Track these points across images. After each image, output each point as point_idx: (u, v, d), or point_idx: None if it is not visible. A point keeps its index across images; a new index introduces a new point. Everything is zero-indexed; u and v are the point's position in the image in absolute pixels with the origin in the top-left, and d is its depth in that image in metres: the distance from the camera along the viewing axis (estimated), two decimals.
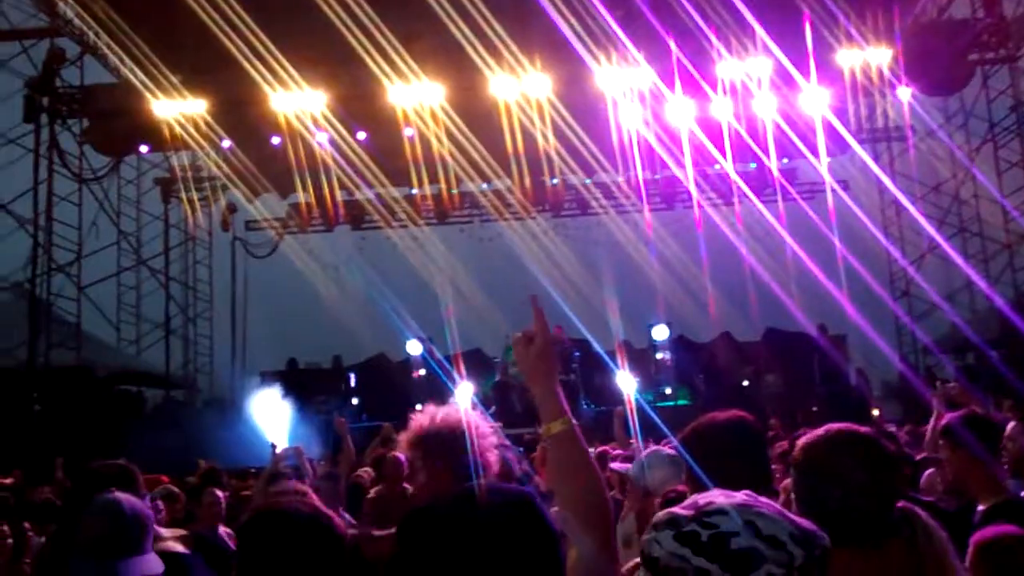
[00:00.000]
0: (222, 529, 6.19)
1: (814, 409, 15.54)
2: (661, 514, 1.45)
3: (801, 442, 2.48)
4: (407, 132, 17.81)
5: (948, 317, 17.73)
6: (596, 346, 16.44)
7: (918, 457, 5.61)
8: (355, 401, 19.37)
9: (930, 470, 5.18)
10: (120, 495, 3.07)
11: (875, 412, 13.27)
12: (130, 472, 3.73)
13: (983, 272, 18.78)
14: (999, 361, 13.88)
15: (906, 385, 15.68)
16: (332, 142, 18.05)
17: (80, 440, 12.62)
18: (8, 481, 8.24)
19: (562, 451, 2.20)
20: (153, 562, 2.87)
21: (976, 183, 19.04)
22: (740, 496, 1.44)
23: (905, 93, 17.95)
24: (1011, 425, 6.06)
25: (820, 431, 2.46)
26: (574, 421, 2.20)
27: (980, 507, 3.68)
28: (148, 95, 17.30)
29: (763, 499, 1.44)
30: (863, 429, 2.52)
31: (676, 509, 1.44)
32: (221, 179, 20.01)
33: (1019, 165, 18.33)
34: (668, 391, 17.98)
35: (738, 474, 2.42)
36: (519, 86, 16.97)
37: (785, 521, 1.38)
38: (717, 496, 1.44)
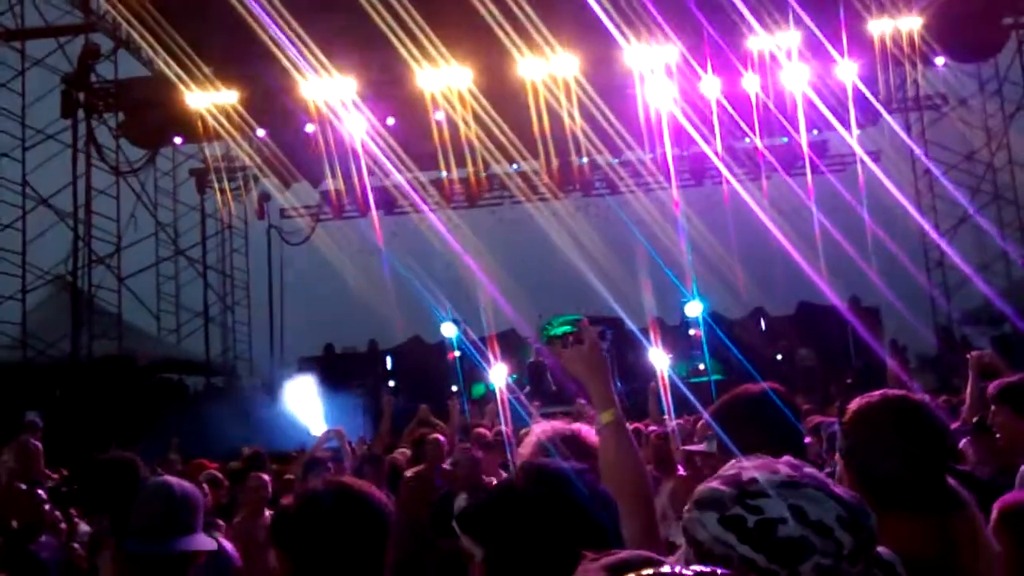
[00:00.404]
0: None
1: (848, 381, 15.54)
2: (702, 489, 1.39)
3: (853, 406, 2.41)
4: (436, 116, 17.86)
5: (982, 288, 17.52)
6: (629, 323, 16.47)
7: (952, 427, 5.61)
8: (391, 384, 19.64)
9: (964, 440, 5.10)
10: (171, 478, 3.22)
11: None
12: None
13: (1018, 241, 18.57)
14: None
15: (941, 356, 15.59)
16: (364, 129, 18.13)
17: (124, 429, 12.86)
18: (55, 476, 8.50)
19: (612, 442, 2.30)
20: (204, 540, 2.99)
21: (1011, 150, 18.78)
22: (784, 468, 1.38)
23: (937, 60, 17.67)
24: None
25: (874, 397, 2.39)
26: (620, 410, 2.32)
27: None
28: (181, 87, 17.48)
29: (807, 469, 1.40)
30: (915, 396, 2.46)
31: (716, 484, 1.38)
32: (253, 169, 20.20)
33: None
34: (701, 367, 18.00)
35: (771, 446, 2.38)
36: (546, 67, 16.91)
37: (832, 501, 1.32)
38: (759, 469, 1.38)
